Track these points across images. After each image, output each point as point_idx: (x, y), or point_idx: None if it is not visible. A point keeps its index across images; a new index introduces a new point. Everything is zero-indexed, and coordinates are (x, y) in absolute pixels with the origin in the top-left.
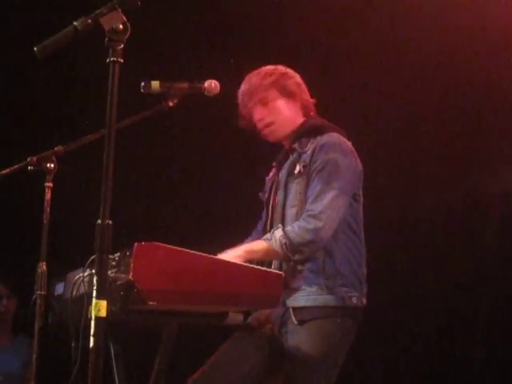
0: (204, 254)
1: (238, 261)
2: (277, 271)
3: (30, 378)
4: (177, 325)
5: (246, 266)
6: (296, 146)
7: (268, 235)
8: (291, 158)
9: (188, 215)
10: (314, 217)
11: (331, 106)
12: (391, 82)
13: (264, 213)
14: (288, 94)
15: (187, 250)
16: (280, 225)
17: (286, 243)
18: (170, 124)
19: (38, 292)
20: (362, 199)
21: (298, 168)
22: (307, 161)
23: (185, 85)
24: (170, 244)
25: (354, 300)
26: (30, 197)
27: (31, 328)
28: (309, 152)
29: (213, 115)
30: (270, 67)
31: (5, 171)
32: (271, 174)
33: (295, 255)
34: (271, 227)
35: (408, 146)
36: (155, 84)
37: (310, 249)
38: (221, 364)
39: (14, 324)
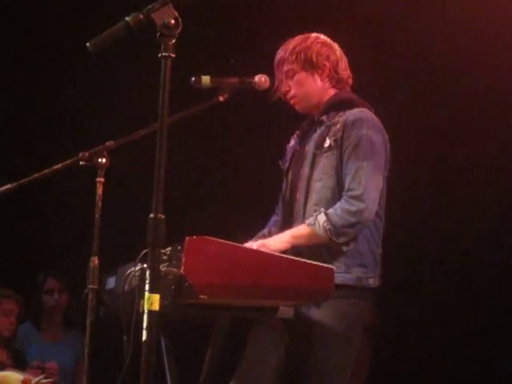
0: (254, 248)
1: (285, 246)
2: (328, 265)
3: (82, 372)
4: (228, 318)
5: (296, 260)
6: (324, 118)
7: (311, 220)
8: (319, 130)
9: (236, 208)
10: (355, 198)
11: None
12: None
13: (284, 183)
14: (313, 67)
15: (238, 244)
16: (322, 208)
17: (330, 229)
18: (221, 117)
19: (90, 286)
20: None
21: (328, 142)
22: (338, 135)
23: (235, 79)
24: (220, 238)
25: (371, 281)
26: (81, 192)
27: (83, 322)
28: (339, 126)
29: (265, 108)
30: (301, 38)
31: (57, 166)
32: (292, 142)
33: (340, 238)
34: (292, 199)
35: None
36: (206, 79)
37: (356, 230)
38: (252, 364)
39: (65, 318)
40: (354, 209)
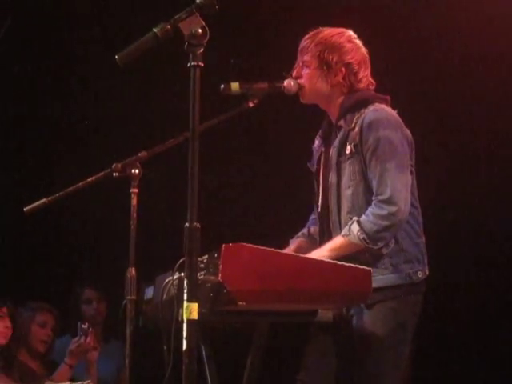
0: (291, 253)
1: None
2: (365, 267)
3: (123, 383)
4: (267, 324)
5: (333, 263)
6: (342, 123)
7: (346, 230)
8: (339, 135)
9: (270, 214)
10: (385, 202)
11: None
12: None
13: (315, 186)
14: (329, 69)
15: (274, 250)
16: (355, 217)
17: (364, 238)
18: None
19: (128, 297)
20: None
21: (348, 148)
22: (357, 140)
23: (264, 85)
24: (256, 244)
25: (420, 274)
26: (116, 203)
27: (123, 333)
28: (356, 129)
29: (297, 114)
30: (333, 32)
31: (91, 179)
32: (317, 142)
33: (377, 243)
34: (326, 209)
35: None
36: (235, 85)
37: (391, 233)
38: (312, 370)
39: (105, 330)
40: (385, 213)
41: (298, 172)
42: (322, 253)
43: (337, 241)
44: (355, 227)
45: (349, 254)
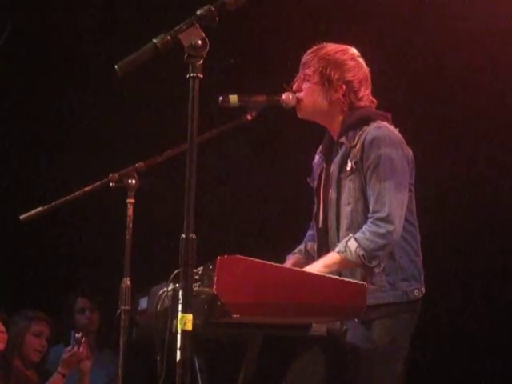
0: (286, 267)
1: None
2: (360, 282)
3: None
4: (260, 337)
5: (328, 277)
6: (343, 139)
7: (341, 247)
8: (340, 152)
9: (267, 227)
10: (382, 220)
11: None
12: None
13: (315, 202)
14: (330, 85)
15: (270, 263)
16: (351, 234)
17: (363, 255)
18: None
19: (123, 307)
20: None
21: (349, 165)
22: (358, 157)
23: (263, 98)
24: (251, 256)
25: (416, 292)
26: (113, 213)
27: (116, 343)
28: (358, 146)
29: (298, 128)
30: (337, 49)
31: (87, 188)
32: (317, 157)
33: (372, 261)
34: (325, 226)
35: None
36: (233, 98)
37: (386, 251)
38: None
39: (98, 339)
40: (382, 231)
41: (297, 186)
42: (315, 268)
43: (332, 257)
44: (353, 244)
45: (342, 271)
